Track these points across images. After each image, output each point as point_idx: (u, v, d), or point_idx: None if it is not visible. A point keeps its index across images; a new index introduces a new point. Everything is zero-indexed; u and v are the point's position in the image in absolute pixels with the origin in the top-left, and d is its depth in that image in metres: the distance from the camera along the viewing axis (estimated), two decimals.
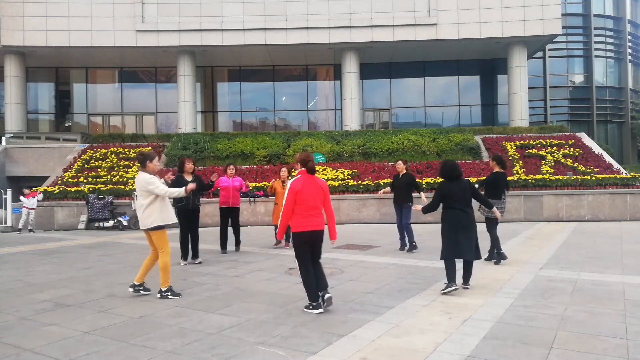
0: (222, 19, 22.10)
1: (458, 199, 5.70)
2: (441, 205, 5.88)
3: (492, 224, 7.37)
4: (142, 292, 5.72)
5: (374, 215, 14.93)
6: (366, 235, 11.66)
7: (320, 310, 4.82)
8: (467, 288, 5.77)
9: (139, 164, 5.72)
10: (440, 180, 6.01)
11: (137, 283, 5.75)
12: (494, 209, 6.33)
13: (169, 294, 5.57)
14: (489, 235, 7.43)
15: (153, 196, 5.50)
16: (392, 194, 9.08)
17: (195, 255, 8.20)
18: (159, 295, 5.57)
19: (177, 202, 7.95)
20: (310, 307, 4.88)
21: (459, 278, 5.73)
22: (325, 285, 4.92)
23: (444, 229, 5.77)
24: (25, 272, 7.47)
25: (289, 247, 9.59)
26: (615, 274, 6.63)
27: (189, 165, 8.19)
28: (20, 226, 14.79)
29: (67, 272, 7.41)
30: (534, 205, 14.97)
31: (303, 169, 5.03)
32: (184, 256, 8.14)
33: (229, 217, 9.31)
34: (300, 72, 26.88)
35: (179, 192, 5.72)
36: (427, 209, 5.97)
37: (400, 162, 9.05)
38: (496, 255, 7.43)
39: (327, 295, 4.83)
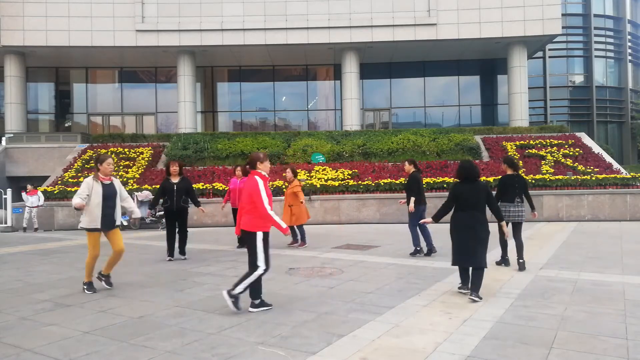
0: (222, 19, 22.10)
1: (468, 201, 5.42)
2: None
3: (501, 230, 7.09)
4: (105, 285, 6.10)
5: (374, 215, 14.93)
6: (366, 235, 11.66)
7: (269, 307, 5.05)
8: (469, 294, 5.28)
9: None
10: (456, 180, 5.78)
11: (103, 273, 6.18)
12: (503, 223, 5.82)
13: (86, 287, 5.95)
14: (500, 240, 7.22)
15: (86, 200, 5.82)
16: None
17: (181, 252, 8.42)
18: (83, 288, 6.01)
19: (163, 203, 8.39)
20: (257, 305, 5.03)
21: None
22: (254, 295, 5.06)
23: (450, 232, 5.59)
24: (25, 272, 7.47)
25: (304, 245, 9.59)
26: (615, 274, 6.63)
27: (173, 168, 8.32)
28: (24, 225, 14.77)
29: (67, 272, 7.41)
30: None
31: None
32: (169, 252, 8.39)
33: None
34: (300, 72, 26.88)
35: (74, 202, 5.89)
36: (437, 215, 5.71)
37: (406, 162, 8.59)
38: (501, 258, 7.41)
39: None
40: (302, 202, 9.50)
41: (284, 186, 15.58)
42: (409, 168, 8.51)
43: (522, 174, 7.84)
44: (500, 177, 7.68)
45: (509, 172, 7.37)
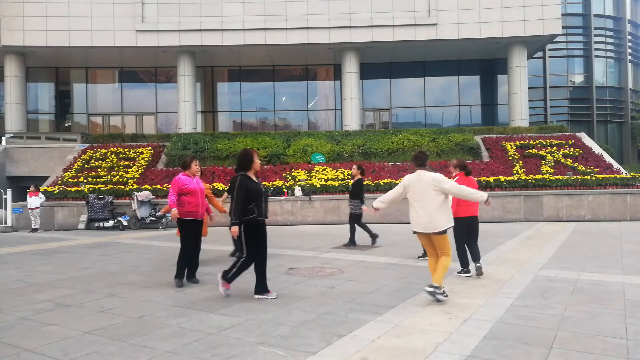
0: (222, 19, 22.10)
1: None
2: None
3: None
4: (438, 298, 5.09)
5: (374, 216, 14.90)
6: (366, 235, 11.63)
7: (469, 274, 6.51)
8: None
9: (419, 164, 5.32)
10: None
11: (435, 285, 5.09)
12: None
13: (443, 292, 5.10)
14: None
15: (443, 196, 5.15)
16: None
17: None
18: (430, 289, 5.08)
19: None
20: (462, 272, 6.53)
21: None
22: (478, 257, 6.55)
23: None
24: (25, 272, 7.47)
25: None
26: (615, 274, 6.63)
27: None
28: (35, 226, 14.72)
29: (67, 272, 7.40)
30: (534, 205, 14.96)
31: (461, 171, 6.62)
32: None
33: (197, 232, 6.56)
34: (300, 72, 26.87)
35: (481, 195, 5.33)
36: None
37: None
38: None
39: (477, 265, 6.49)
40: None
41: (284, 186, 15.58)
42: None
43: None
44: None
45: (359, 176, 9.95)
